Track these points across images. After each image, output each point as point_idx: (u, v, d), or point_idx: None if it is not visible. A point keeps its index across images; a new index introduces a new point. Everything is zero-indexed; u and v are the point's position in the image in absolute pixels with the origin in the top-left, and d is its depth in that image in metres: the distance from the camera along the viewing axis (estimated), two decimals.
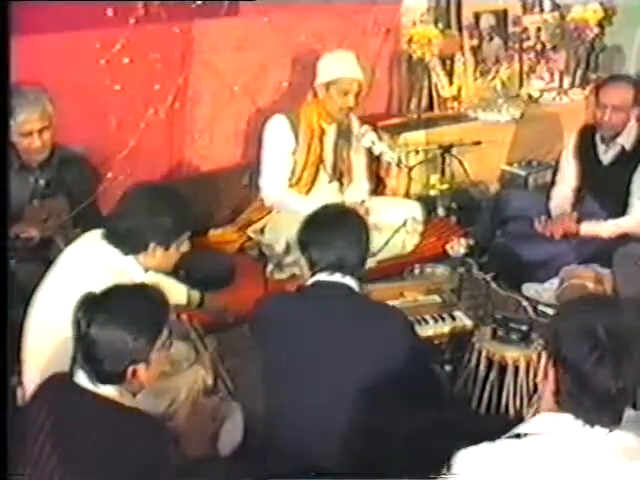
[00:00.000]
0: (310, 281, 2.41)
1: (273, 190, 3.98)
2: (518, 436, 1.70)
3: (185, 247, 2.66)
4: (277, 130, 3.95)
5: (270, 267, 3.75)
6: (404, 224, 3.90)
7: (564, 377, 1.69)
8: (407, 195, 4.51)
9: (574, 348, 1.66)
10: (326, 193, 4.03)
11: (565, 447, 1.65)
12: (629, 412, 1.76)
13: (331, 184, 4.11)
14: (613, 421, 1.67)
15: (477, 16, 5.05)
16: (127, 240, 2.55)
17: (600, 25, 5.20)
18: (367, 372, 2.23)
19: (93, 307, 2.03)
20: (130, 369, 2.02)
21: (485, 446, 1.68)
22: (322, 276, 2.38)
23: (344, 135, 4.08)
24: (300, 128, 3.94)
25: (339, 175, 4.12)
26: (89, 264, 2.53)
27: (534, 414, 1.81)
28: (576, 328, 1.68)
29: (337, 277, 2.36)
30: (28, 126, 3.16)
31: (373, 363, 2.24)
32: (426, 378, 2.45)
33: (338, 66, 3.88)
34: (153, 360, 2.07)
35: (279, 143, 3.95)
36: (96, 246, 2.57)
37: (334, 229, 2.41)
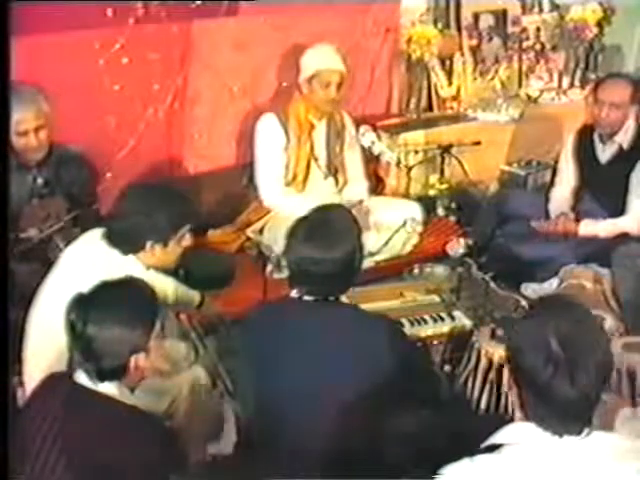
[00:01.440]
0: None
1: (270, 190, 3.99)
2: (494, 448, 1.69)
3: (187, 241, 2.66)
4: (267, 128, 3.98)
5: (269, 267, 3.75)
6: (404, 224, 3.90)
7: (524, 390, 1.70)
8: (407, 195, 4.51)
9: (529, 362, 1.66)
10: (323, 191, 4.04)
11: (542, 456, 1.65)
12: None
13: (327, 181, 4.12)
14: (581, 428, 1.67)
15: (476, 16, 5.05)
16: (125, 240, 2.56)
17: (599, 25, 5.20)
18: (357, 377, 2.22)
19: (85, 306, 2.04)
20: (132, 360, 2.03)
21: (466, 463, 1.67)
22: (294, 293, 2.35)
23: (335, 130, 4.09)
24: (289, 124, 3.96)
25: (334, 171, 4.13)
26: (89, 264, 2.54)
27: None
28: (529, 341, 1.68)
29: (310, 296, 2.32)
30: (23, 125, 3.16)
31: (362, 368, 2.23)
32: (420, 380, 2.43)
33: (317, 59, 3.91)
34: (151, 349, 2.08)
35: (270, 141, 3.96)
36: (96, 246, 2.58)
37: (311, 246, 2.30)
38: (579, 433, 1.67)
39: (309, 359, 2.25)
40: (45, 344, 2.46)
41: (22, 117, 3.14)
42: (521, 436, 1.69)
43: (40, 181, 3.29)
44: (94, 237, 2.62)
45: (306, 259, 2.29)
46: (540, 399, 1.66)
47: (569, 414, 1.66)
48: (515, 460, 1.65)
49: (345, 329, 2.29)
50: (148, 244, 2.57)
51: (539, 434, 1.67)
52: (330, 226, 2.36)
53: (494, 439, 1.71)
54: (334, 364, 2.23)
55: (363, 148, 4.16)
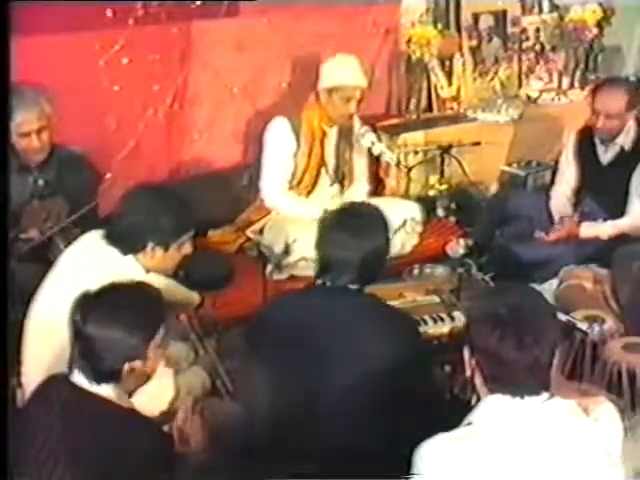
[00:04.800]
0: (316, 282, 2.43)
1: (273, 192, 3.98)
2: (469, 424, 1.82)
3: (187, 249, 2.66)
4: (278, 132, 3.94)
5: (269, 268, 3.75)
6: (403, 225, 3.91)
7: (481, 364, 1.83)
8: (406, 195, 4.51)
9: (479, 333, 1.81)
10: (326, 195, 4.04)
11: (509, 423, 1.77)
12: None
13: (332, 187, 4.11)
14: (537, 389, 1.79)
15: (476, 17, 5.05)
16: (125, 239, 2.56)
17: (599, 26, 5.20)
18: (369, 373, 2.23)
19: (88, 305, 2.03)
20: (127, 366, 2.03)
21: (442, 437, 1.79)
22: (324, 280, 2.39)
23: (346, 137, 4.08)
24: (301, 131, 3.93)
25: (341, 177, 4.12)
26: (89, 265, 2.54)
27: None
28: (479, 315, 1.85)
29: (337, 283, 2.36)
30: (26, 126, 3.16)
31: (376, 364, 2.24)
32: (427, 380, 2.44)
33: (342, 72, 3.86)
34: (150, 358, 2.07)
35: (280, 145, 3.94)
36: (96, 246, 2.58)
37: (342, 233, 2.38)
38: (537, 394, 1.79)
39: (322, 351, 2.27)
40: (44, 345, 2.45)
41: (25, 118, 3.15)
42: (490, 408, 1.81)
43: (41, 182, 3.29)
44: (93, 238, 2.62)
45: (337, 242, 2.37)
46: (494, 365, 1.79)
47: (522, 376, 1.77)
48: (487, 430, 1.77)
49: (362, 318, 2.32)
50: (149, 246, 2.56)
51: (504, 401, 1.79)
52: (361, 216, 2.46)
53: (468, 418, 1.82)
54: (350, 358, 2.25)
55: (368, 150, 4.15)
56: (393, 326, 2.34)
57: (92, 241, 2.62)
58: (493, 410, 1.80)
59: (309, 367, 2.28)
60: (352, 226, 2.40)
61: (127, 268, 2.55)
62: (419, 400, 2.36)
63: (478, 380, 1.86)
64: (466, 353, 1.88)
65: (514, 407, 1.78)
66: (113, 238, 2.57)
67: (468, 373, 1.88)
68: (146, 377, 2.13)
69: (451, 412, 2.17)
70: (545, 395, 1.80)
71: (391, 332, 2.31)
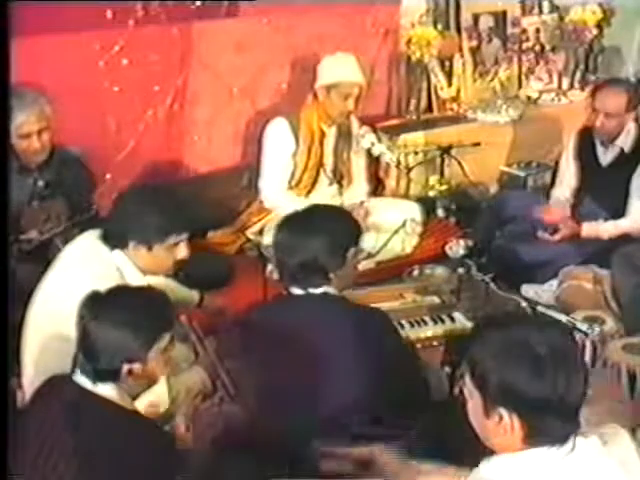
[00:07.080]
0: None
1: (272, 192, 3.98)
2: None
3: (183, 252, 2.64)
4: (277, 133, 3.95)
5: (269, 268, 3.75)
6: (403, 225, 3.91)
7: (523, 418, 1.56)
8: (406, 196, 4.51)
9: (517, 379, 1.54)
10: (325, 195, 4.04)
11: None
12: None
13: (331, 186, 4.11)
14: (570, 434, 1.58)
15: (476, 17, 5.05)
16: (112, 236, 2.56)
17: (599, 26, 5.20)
18: (352, 374, 2.25)
19: (96, 304, 2.04)
20: (125, 367, 2.03)
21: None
22: (293, 289, 2.41)
23: (344, 137, 4.08)
24: (300, 131, 3.94)
25: (339, 177, 4.12)
26: (86, 265, 2.54)
27: None
28: (510, 350, 1.57)
29: (309, 290, 2.38)
30: (27, 128, 3.16)
31: (357, 365, 2.26)
32: (410, 380, 2.43)
33: (339, 69, 3.88)
34: (150, 362, 2.07)
35: (279, 146, 3.95)
36: (91, 246, 2.58)
37: (299, 236, 2.39)
38: (567, 441, 1.58)
39: (301, 355, 2.27)
40: (43, 345, 2.45)
41: (25, 120, 3.15)
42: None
43: (41, 183, 3.29)
44: (91, 238, 2.62)
45: (280, 245, 2.41)
46: (543, 418, 1.55)
47: (555, 422, 1.56)
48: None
49: (334, 321, 2.33)
50: (131, 243, 2.55)
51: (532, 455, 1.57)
52: (308, 218, 2.45)
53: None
54: (328, 358, 2.26)
55: (368, 150, 4.15)
56: (370, 325, 2.34)
57: (88, 240, 2.62)
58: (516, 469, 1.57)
59: (295, 373, 2.28)
60: (295, 226, 2.42)
61: (123, 269, 2.55)
62: (414, 398, 2.37)
63: (515, 435, 1.58)
64: (477, 417, 1.63)
65: (541, 461, 1.57)
66: (104, 236, 2.58)
67: (491, 421, 1.60)
68: (149, 381, 2.13)
69: (449, 413, 2.18)
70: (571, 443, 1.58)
71: (369, 331, 2.31)
